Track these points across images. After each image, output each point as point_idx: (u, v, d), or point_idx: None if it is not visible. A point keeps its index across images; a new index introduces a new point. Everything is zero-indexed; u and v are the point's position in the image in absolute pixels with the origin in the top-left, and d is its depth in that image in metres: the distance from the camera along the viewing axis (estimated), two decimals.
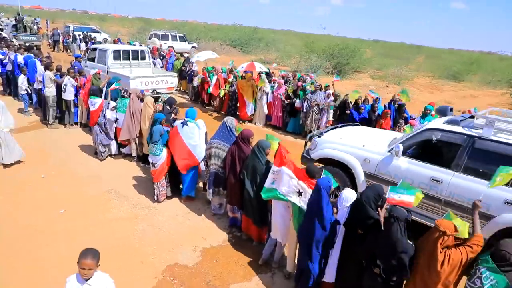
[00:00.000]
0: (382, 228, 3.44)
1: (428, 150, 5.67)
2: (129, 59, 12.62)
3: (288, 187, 4.28)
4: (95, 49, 13.07)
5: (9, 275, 4.31)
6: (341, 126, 7.44)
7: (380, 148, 5.84)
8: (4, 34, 21.13)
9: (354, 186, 5.92)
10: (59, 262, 4.52)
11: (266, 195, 4.55)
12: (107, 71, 11.42)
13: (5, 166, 7.02)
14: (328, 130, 7.02)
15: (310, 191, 4.16)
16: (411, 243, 3.30)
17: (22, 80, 10.26)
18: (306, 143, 7.28)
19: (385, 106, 9.58)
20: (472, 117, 5.35)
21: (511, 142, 4.57)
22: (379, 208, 3.60)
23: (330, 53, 26.41)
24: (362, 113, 9.30)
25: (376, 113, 9.21)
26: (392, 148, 5.56)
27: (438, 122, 5.52)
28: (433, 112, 8.58)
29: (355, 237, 3.61)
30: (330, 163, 6.27)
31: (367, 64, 28.57)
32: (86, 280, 2.82)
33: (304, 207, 4.13)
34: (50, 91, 9.28)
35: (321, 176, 4.15)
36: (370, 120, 9.16)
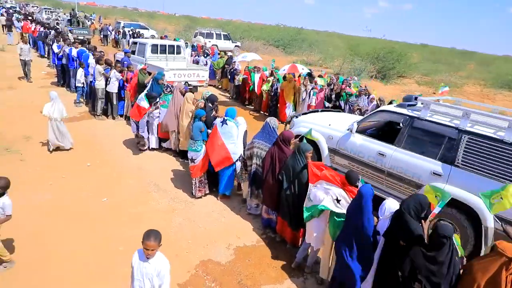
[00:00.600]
0: (426, 241, 3.29)
1: (379, 129, 6.76)
2: (165, 53, 13.53)
3: (326, 193, 4.21)
4: (136, 43, 14.06)
5: (59, 256, 4.57)
6: (321, 111, 8.34)
7: (342, 127, 6.64)
8: (60, 28, 22.49)
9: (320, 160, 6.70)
10: (101, 248, 4.74)
11: (307, 215, 4.46)
12: (145, 63, 12.14)
13: (56, 153, 7.42)
14: (307, 113, 8.03)
15: (348, 198, 4.06)
16: (457, 259, 3.13)
17: (80, 73, 10.70)
18: (286, 124, 8.34)
19: None
20: None
21: (441, 122, 5.31)
22: (422, 221, 3.44)
23: (374, 56, 25.73)
24: None
25: None
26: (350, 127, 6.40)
27: (389, 106, 6.51)
28: None
29: (396, 249, 3.46)
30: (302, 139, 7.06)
31: (413, 69, 27.53)
32: (149, 259, 2.97)
33: (342, 212, 4.04)
34: (99, 84, 9.71)
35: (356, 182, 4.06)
36: None
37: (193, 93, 7.82)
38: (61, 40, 14.04)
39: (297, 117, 7.69)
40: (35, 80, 13.58)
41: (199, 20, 60.97)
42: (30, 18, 27.10)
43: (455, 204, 4.83)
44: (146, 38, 23.47)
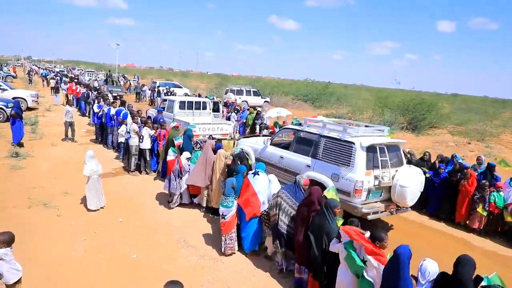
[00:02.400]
0: None
1: (284, 140, 9.54)
2: (192, 109, 14.55)
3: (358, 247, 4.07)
4: (165, 100, 15.30)
5: None
6: (262, 136, 11.71)
7: (262, 143, 9.40)
8: (100, 89, 24.26)
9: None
10: None
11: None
12: (173, 118, 12.99)
13: (89, 210, 7.63)
14: (247, 137, 11.64)
15: (374, 262, 3.87)
16: None
17: (122, 129, 11.11)
18: (234, 144, 12.75)
19: (465, 166, 8.79)
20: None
21: (312, 131, 8.02)
22: None
23: (404, 107, 25.58)
24: (442, 173, 8.68)
25: (458, 174, 8.48)
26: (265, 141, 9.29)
27: (289, 126, 9.93)
28: None
29: None
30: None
31: (445, 119, 27.00)
32: None
33: (367, 277, 3.88)
34: (134, 141, 10.16)
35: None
36: (450, 183, 8.49)
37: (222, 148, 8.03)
38: (101, 100, 15.01)
39: (239, 139, 11.73)
40: (75, 137, 14.39)
41: (230, 77, 63.82)
42: (75, 80, 29.38)
43: (315, 182, 7.07)
44: (173, 95, 24.87)
